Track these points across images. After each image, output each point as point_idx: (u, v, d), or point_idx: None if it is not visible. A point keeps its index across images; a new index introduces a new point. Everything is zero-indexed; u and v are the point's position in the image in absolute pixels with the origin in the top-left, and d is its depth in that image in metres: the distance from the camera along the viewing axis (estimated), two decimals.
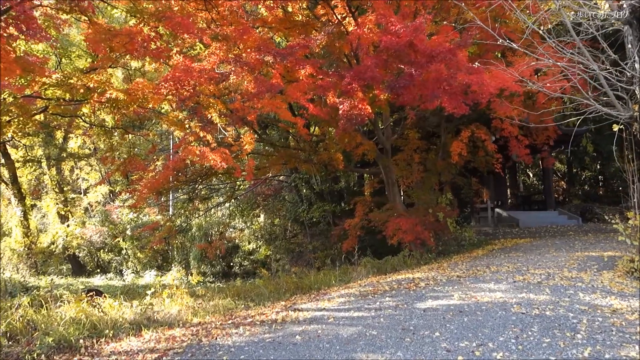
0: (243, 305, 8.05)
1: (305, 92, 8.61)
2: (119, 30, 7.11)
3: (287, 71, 9.51)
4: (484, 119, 13.33)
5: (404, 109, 13.45)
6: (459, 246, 12.73)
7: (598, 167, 28.57)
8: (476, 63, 8.11)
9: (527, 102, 12.24)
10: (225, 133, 9.07)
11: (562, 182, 31.66)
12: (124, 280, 25.49)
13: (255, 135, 15.85)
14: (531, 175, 33.97)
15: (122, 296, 9.32)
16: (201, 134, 8.85)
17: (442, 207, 12.41)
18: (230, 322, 6.60)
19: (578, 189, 29.78)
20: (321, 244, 17.59)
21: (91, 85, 8.27)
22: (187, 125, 9.29)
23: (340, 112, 8.47)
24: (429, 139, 15.57)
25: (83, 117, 10.92)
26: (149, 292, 7.98)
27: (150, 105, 8.45)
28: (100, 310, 6.94)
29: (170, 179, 15.13)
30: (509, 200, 25.30)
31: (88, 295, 7.88)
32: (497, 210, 20.19)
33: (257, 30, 9.55)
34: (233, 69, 7.96)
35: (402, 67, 8.02)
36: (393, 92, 8.08)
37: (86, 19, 7.24)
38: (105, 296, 7.98)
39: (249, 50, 8.12)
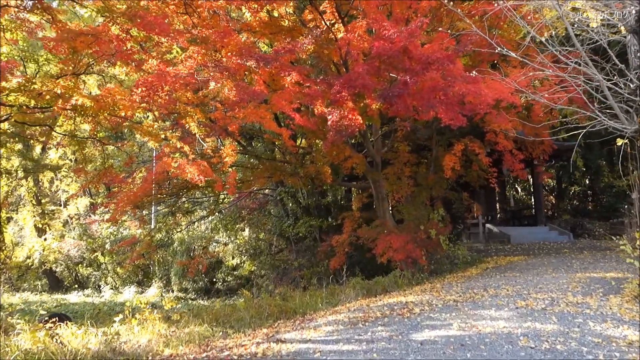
0: (221, 333, 7.35)
1: (291, 101, 8.01)
2: (83, 29, 6.47)
3: (271, 79, 8.93)
4: (477, 132, 12.84)
5: (394, 121, 12.92)
6: (451, 265, 12.15)
7: (587, 182, 28.31)
8: (473, 72, 7.61)
9: (522, 115, 11.79)
10: (205, 144, 8.45)
11: (551, 197, 31.37)
12: (102, 297, 24.53)
13: (239, 147, 15.23)
14: (519, 189, 33.69)
15: (89, 321, 8.58)
16: (178, 145, 8.22)
17: (434, 224, 11.84)
18: (204, 355, 5.91)
19: (567, 203, 29.48)
20: (307, 261, 16.90)
21: (58, 92, 7.61)
22: (162, 136, 8.65)
23: (329, 122, 7.87)
24: (419, 152, 15.06)
25: (53, 127, 10.20)
26: (116, 318, 7.23)
27: (123, 114, 7.79)
28: (59, 341, 6.20)
29: (153, 192, 14.42)
30: (498, 215, 24.89)
31: (50, 321, 7.14)
32: (487, 225, 19.71)
33: (241, 36, 8.96)
34: (212, 74, 7.34)
35: (396, 75, 7.48)
36: (386, 102, 7.51)
37: (50, 17, 6.60)
38: (67, 324, 7.21)
39: (230, 54, 7.51)
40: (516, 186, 33.56)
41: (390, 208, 13.41)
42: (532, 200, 32.48)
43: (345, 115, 7.69)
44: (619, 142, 8.23)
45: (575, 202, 29.77)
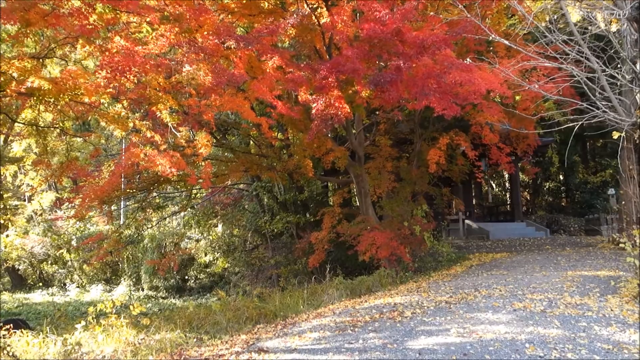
0: (195, 340, 6.73)
1: (272, 87, 7.41)
2: None
3: (251, 66, 8.28)
4: (462, 125, 12.48)
5: (377, 113, 12.43)
6: (436, 262, 11.76)
7: (562, 178, 28.45)
8: (467, 59, 7.14)
9: (509, 107, 11.44)
10: (178, 134, 7.78)
11: (526, 193, 31.48)
12: (67, 296, 23.44)
13: (213, 140, 14.52)
14: (494, 186, 33.73)
15: (49, 327, 7.83)
16: (148, 134, 7.53)
17: (418, 220, 11.42)
18: None
19: (542, 199, 29.62)
20: (284, 258, 16.29)
21: (15, 75, 6.85)
22: (131, 124, 7.93)
23: (314, 111, 7.27)
24: (400, 146, 14.61)
25: (11, 115, 9.35)
26: (78, 325, 6.52)
27: (87, 100, 7.05)
28: (11, 353, 5.49)
29: (122, 186, 13.59)
30: (475, 211, 24.76)
31: (3, 328, 6.41)
32: (467, 221, 19.46)
33: (218, 16, 8.26)
34: (186, 55, 6.67)
35: (387, 60, 6.95)
36: (377, 88, 6.97)
37: None
38: (22, 331, 6.47)
39: (206, 34, 6.84)
40: (491, 182, 33.60)
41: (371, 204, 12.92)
42: (507, 196, 32.63)
43: (332, 104, 7.11)
44: (615, 135, 7.91)
45: (549, 198, 29.94)
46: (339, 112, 7.12)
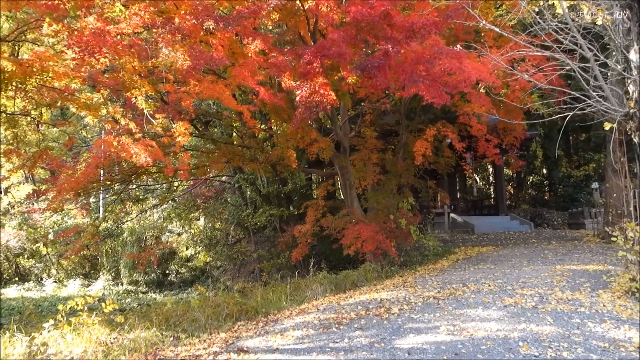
0: (172, 338, 6.38)
1: (254, 72, 7.04)
2: None
3: (232, 52, 7.88)
4: (449, 116, 12.25)
5: (363, 103, 12.13)
6: (422, 256, 11.53)
7: (545, 171, 28.51)
8: (457, 46, 6.86)
9: (497, 98, 11.23)
10: (154, 121, 7.37)
11: (509, 187, 31.53)
12: (43, 291, 22.80)
13: (195, 131, 14.07)
14: (478, 179, 33.74)
15: (18, 325, 7.42)
16: (123, 122, 7.13)
17: (404, 213, 11.16)
18: None
19: (525, 193, 29.68)
20: (267, 252, 15.96)
21: None
22: (104, 111, 7.50)
23: (298, 98, 6.92)
24: (386, 138, 14.35)
25: None
26: (46, 324, 6.12)
27: (57, 85, 6.62)
28: None
29: (100, 177, 13.08)
30: (460, 205, 24.68)
31: None
32: (452, 215, 19.33)
33: None
34: (162, 36, 6.25)
35: (375, 44, 6.63)
36: (364, 74, 6.64)
37: None
38: None
39: (183, 13, 6.43)
40: (474, 175, 33.59)
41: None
42: (491, 189, 32.66)
43: (317, 90, 6.77)
44: (607, 126, 7.71)
45: (532, 192, 30.02)
46: (324, 100, 6.78)
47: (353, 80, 7.32)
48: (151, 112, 7.37)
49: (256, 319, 7.03)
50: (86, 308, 6.86)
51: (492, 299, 6.55)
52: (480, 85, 8.95)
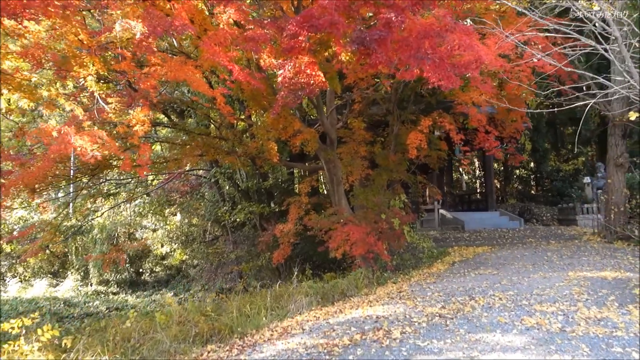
0: None
1: (227, 46, 5.92)
2: None
3: (204, 29, 6.65)
4: (445, 106, 11.25)
5: (351, 91, 11.05)
6: (415, 259, 10.55)
7: (533, 165, 27.83)
8: (467, 20, 5.83)
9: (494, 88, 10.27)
10: (106, 107, 6.23)
11: (496, 181, 30.85)
12: (7, 292, 21.36)
13: (166, 119, 12.85)
14: (463, 173, 33.02)
15: None
16: (67, 106, 5.97)
17: (396, 211, 10.16)
18: None
19: (512, 187, 29.03)
20: (247, 253, 14.83)
21: None
22: (44, 93, 6.30)
23: (281, 79, 5.77)
24: (375, 129, 13.29)
25: None
26: None
27: None
28: None
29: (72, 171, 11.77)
30: (448, 200, 23.84)
31: None
32: (441, 211, 18.42)
33: None
34: None
35: (371, 20, 5.56)
36: (361, 49, 5.53)
37: None
38: None
39: None
40: (460, 169, 32.86)
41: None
42: (478, 184, 31.96)
43: (302, 70, 5.66)
44: (632, 116, 6.78)
45: (519, 186, 29.41)
46: (312, 81, 5.67)
47: (347, 58, 6.21)
48: (102, 94, 6.23)
49: (230, 342, 5.94)
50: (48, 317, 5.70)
51: (509, 319, 5.56)
52: (484, 70, 7.95)
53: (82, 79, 5.76)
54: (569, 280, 7.39)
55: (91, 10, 5.49)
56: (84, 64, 5.49)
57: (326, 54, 6.05)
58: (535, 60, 8.01)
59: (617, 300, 6.21)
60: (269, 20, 6.89)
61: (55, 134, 5.03)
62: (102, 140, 5.16)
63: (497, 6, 9.16)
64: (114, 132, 6.78)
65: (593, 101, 6.86)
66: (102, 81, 6.12)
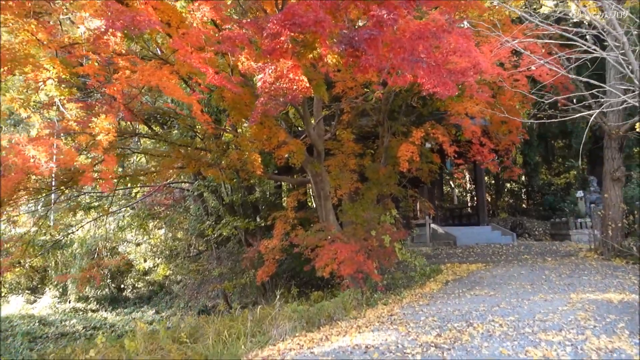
0: None
1: (202, 47, 5.40)
2: None
3: (168, 22, 6.02)
4: (437, 117, 10.81)
5: (340, 100, 10.57)
6: (407, 278, 10.00)
7: (524, 179, 27.53)
8: (464, 22, 5.37)
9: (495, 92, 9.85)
10: (67, 114, 5.66)
11: (487, 194, 30.51)
12: None
13: (149, 131, 12.27)
14: (454, 186, 32.67)
15: None
16: (23, 113, 5.40)
17: (387, 228, 9.62)
18: None
19: (503, 201, 28.70)
20: (230, 270, 14.21)
21: None
22: None
23: (261, 83, 5.23)
24: (365, 141, 12.82)
25: None
26: None
27: None
28: None
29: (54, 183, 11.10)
30: (438, 214, 23.39)
31: None
32: (432, 225, 17.92)
33: None
34: None
35: (364, 14, 5.08)
36: (349, 51, 5.01)
37: None
38: None
39: None
40: (451, 183, 32.51)
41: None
42: (468, 197, 31.60)
43: (284, 74, 5.14)
44: (639, 127, 6.35)
45: (510, 200, 29.11)
46: (295, 86, 5.13)
47: (333, 60, 5.70)
48: (64, 99, 5.67)
49: None
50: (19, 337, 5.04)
51: (512, 350, 5.03)
52: (480, 78, 7.50)
53: (42, 82, 5.23)
54: (573, 304, 6.88)
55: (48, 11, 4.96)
56: (38, 64, 4.94)
57: (311, 55, 5.54)
58: (533, 68, 7.57)
59: (627, 327, 5.70)
60: (248, 20, 6.37)
61: (5, 144, 4.45)
62: (59, 149, 4.59)
63: (492, 13, 8.76)
64: (75, 142, 6.22)
65: (588, 112, 6.40)
66: (63, 85, 5.58)
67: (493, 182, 28.80)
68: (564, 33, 6.92)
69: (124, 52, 5.47)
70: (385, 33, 4.99)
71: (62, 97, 5.67)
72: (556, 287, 8.38)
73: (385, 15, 4.74)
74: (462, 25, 5.84)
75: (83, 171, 5.37)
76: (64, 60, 5.43)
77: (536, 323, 5.99)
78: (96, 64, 5.24)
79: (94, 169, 6.16)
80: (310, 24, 4.70)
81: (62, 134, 5.87)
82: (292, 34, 4.99)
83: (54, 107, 5.63)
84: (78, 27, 5.08)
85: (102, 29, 4.52)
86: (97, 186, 15.33)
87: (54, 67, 5.23)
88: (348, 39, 4.84)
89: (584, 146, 25.77)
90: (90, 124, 4.98)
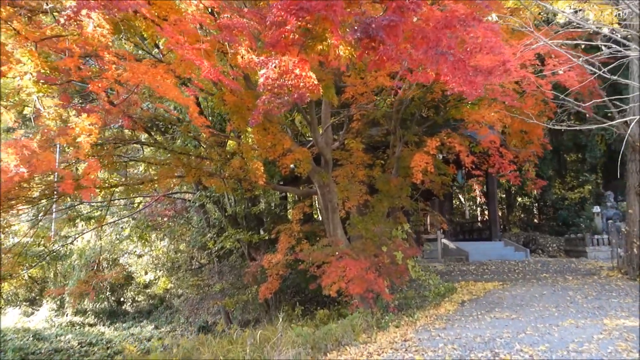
0: None
1: (196, 37, 4.84)
2: None
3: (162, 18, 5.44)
4: (451, 126, 10.20)
5: (350, 107, 9.98)
6: (420, 298, 9.31)
7: (537, 193, 26.75)
8: (492, 15, 4.76)
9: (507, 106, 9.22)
10: (44, 112, 5.12)
11: (498, 209, 29.72)
12: None
13: (150, 139, 11.74)
14: (464, 200, 31.92)
15: None
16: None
17: (398, 243, 8.97)
18: None
19: (515, 216, 27.92)
20: (232, 286, 13.54)
21: None
22: None
23: (263, 80, 4.63)
24: (374, 151, 12.20)
25: None
26: None
27: None
28: None
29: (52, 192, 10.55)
30: (449, 229, 22.67)
31: None
32: (443, 240, 17.22)
33: None
34: None
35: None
36: (364, 42, 4.38)
37: None
38: None
39: None
40: (460, 197, 31.79)
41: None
42: (478, 211, 30.84)
43: (290, 70, 4.53)
44: None
45: (522, 215, 28.34)
46: (301, 83, 4.53)
47: (346, 53, 5.10)
48: (43, 96, 5.14)
49: None
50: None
51: None
52: (505, 81, 6.88)
53: (18, 77, 4.69)
54: (609, 332, 6.18)
55: None
56: (9, 54, 4.40)
57: (320, 47, 4.95)
58: (561, 72, 6.95)
59: None
60: (248, 9, 5.79)
61: None
62: (30, 152, 4.03)
63: (518, 12, 8.18)
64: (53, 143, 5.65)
65: (610, 123, 5.76)
66: (42, 82, 5.05)
67: (504, 196, 28.06)
68: (588, 40, 6.30)
69: (110, 44, 4.92)
70: (408, 20, 4.38)
71: (41, 95, 5.14)
72: (584, 310, 7.67)
73: (406, 1, 4.12)
74: (489, 19, 5.30)
75: (62, 177, 4.81)
76: (44, 53, 4.90)
77: (571, 355, 5.30)
78: (78, 57, 4.69)
79: (77, 175, 5.60)
80: (320, 8, 4.10)
81: (38, 135, 5.34)
82: (299, 22, 4.41)
83: (32, 104, 5.10)
84: (59, 20, 4.53)
85: (74, 10, 3.95)
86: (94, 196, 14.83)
87: (31, 59, 4.69)
88: (364, 27, 4.22)
89: (598, 160, 24.99)
90: (69, 124, 4.45)
